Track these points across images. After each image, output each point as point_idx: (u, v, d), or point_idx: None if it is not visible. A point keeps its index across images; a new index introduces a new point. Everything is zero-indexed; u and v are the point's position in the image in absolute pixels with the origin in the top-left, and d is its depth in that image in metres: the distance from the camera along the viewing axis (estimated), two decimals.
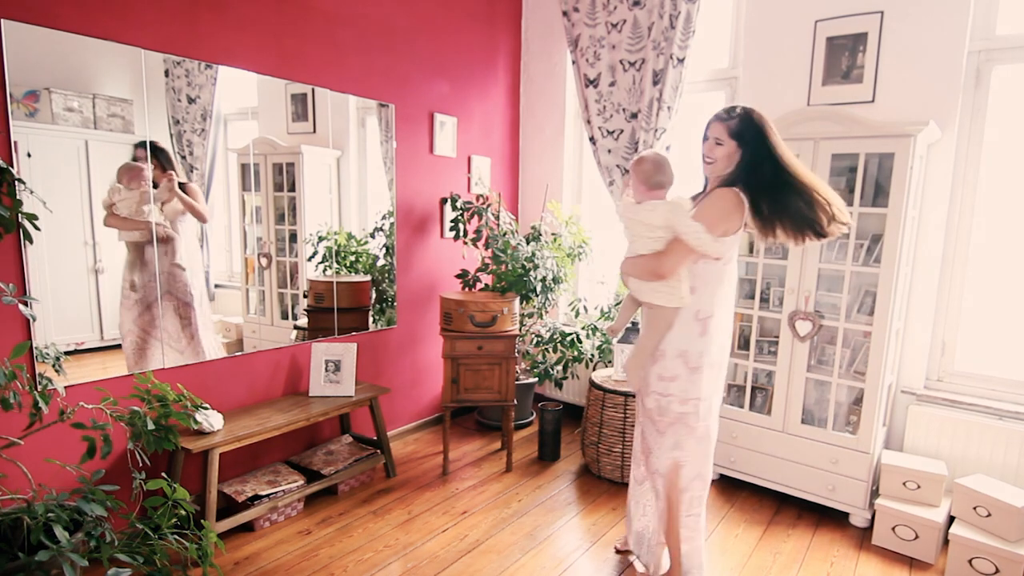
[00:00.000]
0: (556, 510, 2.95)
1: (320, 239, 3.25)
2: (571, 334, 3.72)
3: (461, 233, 3.70)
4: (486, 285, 3.85)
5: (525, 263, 3.57)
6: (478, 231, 3.75)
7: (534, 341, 3.88)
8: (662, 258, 2.03)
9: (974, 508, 2.48)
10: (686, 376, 2.10)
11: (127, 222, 2.47)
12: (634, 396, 3.18)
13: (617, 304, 3.68)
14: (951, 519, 2.61)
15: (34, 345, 2.24)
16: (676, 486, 2.19)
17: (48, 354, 2.29)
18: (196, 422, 2.44)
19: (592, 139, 3.76)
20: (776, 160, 1.96)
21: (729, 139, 2.01)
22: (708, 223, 1.94)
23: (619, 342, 3.37)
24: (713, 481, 3.26)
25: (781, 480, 3.00)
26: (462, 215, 3.68)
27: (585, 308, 3.83)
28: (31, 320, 2.21)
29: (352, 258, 3.43)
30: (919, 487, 2.64)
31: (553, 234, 3.90)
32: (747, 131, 1.99)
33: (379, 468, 3.29)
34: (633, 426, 3.17)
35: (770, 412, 3.02)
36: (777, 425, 2.98)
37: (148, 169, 2.50)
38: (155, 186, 2.53)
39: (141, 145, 2.48)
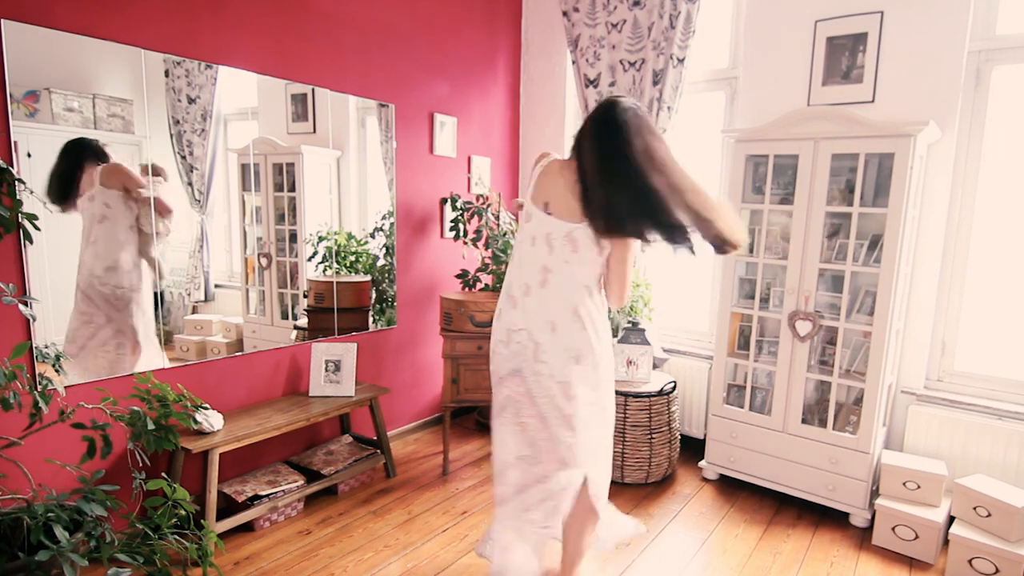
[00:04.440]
0: None
1: (320, 239, 3.25)
2: None
3: (461, 233, 3.70)
4: (486, 285, 3.85)
5: None
6: (478, 231, 3.75)
7: None
8: None
9: (974, 508, 2.48)
10: None
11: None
12: (634, 397, 3.18)
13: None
14: (951, 519, 2.61)
15: (34, 345, 2.24)
16: None
17: (48, 354, 2.29)
18: (196, 422, 2.43)
19: None
20: None
21: None
22: None
23: (620, 342, 3.37)
24: (713, 481, 3.26)
25: (781, 480, 3.00)
26: (462, 215, 3.68)
27: None
28: (31, 320, 2.21)
29: (352, 258, 3.43)
30: (919, 487, 2.64)
31: None
32: None
33: (379, 468, 3.29)
34: (632, 426, 3.17)
35: (770, 412, 3.02)
36: (777, 425, 2.98)
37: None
38: None
39: None
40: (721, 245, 1.78)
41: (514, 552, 1.97)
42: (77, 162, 2.36)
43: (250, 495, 2.65)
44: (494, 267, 3.68)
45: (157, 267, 2.62)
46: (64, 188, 2.33)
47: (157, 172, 2.55)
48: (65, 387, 2.31)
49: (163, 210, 2.57)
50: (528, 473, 1.97)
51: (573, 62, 3.79)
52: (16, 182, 1.68)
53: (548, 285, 1.89)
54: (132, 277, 2.54)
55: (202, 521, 2.23)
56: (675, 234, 1.73)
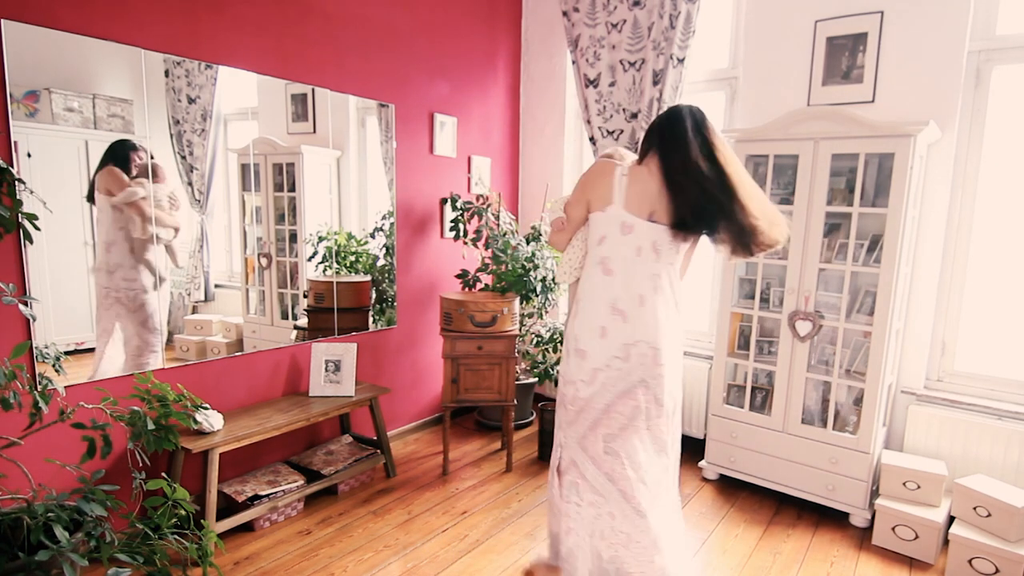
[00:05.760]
0: None
1: (320, 239, 3.25)
2: None
3: (461, 233, 3.70)
4: (486, 285, 3.85)
5: (525, 263, 3.57)
6: (478, 231, 3.75)
7: (534, 341, 3.88)
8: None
9: (974, 508, 2.48)
10: (565, 358, 2.10)
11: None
12: None
13: None
14: (951, 519, 2.61)
15: (34, 345, 2.24)
16: None
17: (48, 354, 2.29)
18: (196, 422, 2.43)
19: (592, 139, 3.76)
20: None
21: None
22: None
23: None
24: (713, 481, 3.26)
25: (781, 480, 3.00)
26: (462, 215, 3.68)
27: None
28: (31, 320, 2.21)
29: (352, 258, 3.43)
30: (919, 487, 2.64)
31: None
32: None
33: (379, 468, 3.29)
34: None
35: (770, 412, 3.02)
36: (777, 425, 2.98)
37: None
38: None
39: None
40: (761, 249, 1.90)
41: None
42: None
43: (250, 495, 2.65)
44: (494, 267, 3.68)
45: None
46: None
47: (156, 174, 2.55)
48: (65, 387, 2.32)
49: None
50: (660, 466, 2.07)
51: (573, 62, 3.79)
52: (16, 182, 1.68)
53: (660, 291, 1.98)
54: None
55: (202, 521, 2.23)
56: (744, 235, 1.84)
